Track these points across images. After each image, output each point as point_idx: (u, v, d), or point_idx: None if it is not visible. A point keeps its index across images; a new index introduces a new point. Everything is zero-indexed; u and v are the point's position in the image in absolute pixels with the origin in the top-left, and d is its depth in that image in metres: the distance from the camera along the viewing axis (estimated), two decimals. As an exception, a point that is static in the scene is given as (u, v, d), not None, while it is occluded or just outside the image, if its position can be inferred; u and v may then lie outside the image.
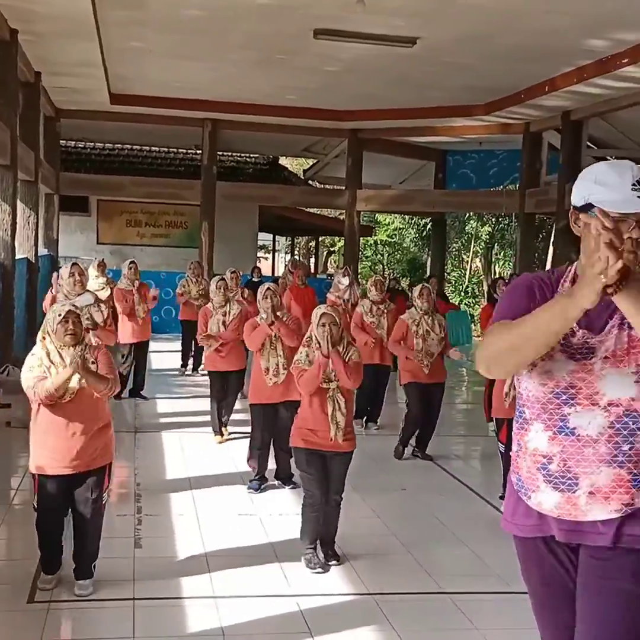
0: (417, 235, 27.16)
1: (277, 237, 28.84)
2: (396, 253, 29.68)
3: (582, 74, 10.32)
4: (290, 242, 30.82)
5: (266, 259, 31.80)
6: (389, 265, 29.97)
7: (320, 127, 14.87)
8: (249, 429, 7.03)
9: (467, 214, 23.57)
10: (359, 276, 16.63)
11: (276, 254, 30.38)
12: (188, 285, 11.19)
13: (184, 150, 18.79)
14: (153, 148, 18.98)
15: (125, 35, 9.72)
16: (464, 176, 17.13)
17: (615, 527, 2.17)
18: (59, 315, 4.03)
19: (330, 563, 4.67)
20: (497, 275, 22.12)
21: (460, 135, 14.75)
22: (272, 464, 6.26)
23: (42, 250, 13.63)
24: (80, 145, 18.40)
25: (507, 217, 21.48)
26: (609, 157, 15.24)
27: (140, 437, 7.66)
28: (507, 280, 10.27)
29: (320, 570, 4.60)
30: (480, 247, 26.11)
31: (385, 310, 8.29)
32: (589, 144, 13.36)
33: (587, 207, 2.18)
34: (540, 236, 20.83)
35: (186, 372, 11.36)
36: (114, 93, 12.99)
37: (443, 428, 7.86)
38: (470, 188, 16.67)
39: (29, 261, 11.62)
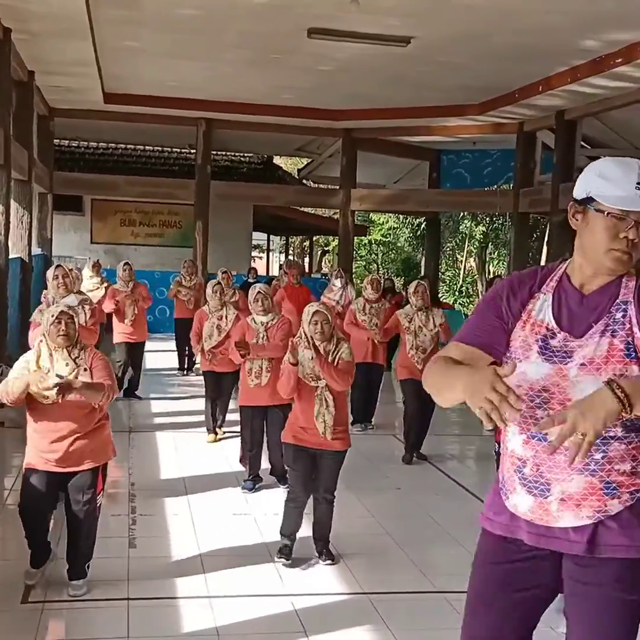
0: (411, 234, 27.20)
1: (271, 236, 28.85)
2: (390, 252, 29.71)
3: (576, 74, 10.33)
4: (284, 242, 30.82)
5: (260, 258, 31.79)
6: (383, 264, 30.00)
7: (315, 126, 14.86)
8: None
9: (461, 214, 23.59)
10: (353, 276, 16.61)
11: (270, 253, 30.37)
12: (180, 283, 11.20)
13: (178, 150, 18.77)
14: (147, 147, 18.95)
15: (119, 34, 9.70)
16: (458, 176, 17.14)
17: (589, 535, 2.13)
18: (52, 316, 4.02)
19: (325, 563, 4.68)
20: (491, 275, 22.16)
21: (454, 134, 14.75)
22: (266, 463, 6.26)
23: (36, 250, 13.58)
24: (74, 145, 18.36)
25: (501, 217, 21.51)
26: (603, 157, 15.27)
27: (135, 437, 7.64)
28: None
29: (284, 560, 4.63)
30: (475, 246, 26.14)
31: (380, 309, 8.30)
32: (583, 143, 13.38)
33: (588, 201, 2.14)
34: (534, 236, 20.86)
35: (185, 374, 11.35)
36: (108, 92, 12.96)
37: (438, 427, 7.86)
38: (465, 187, 16.69)
39: (23, 261, 11.59)
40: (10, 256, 10.36)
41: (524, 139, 13.85)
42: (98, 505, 4.24)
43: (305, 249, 32.68)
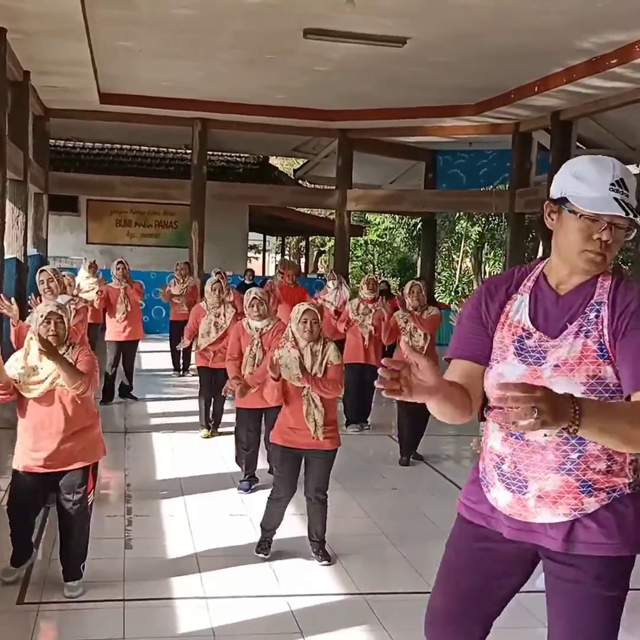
0: (407, 235, 27.22)
1: (267, 237, 28.84)
2: (386, 253, 29.73)
3: (572, 74, 10.34)
4: (280, 242, 30.81)
5: (257, 258, 31.78)
6: (379, 265, 30.02)
7: (310, 126, 14.86)
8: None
9: (457, 214, 23.62)
10: (349, 276, 16.62)
11: (266, 253, 30.36)
12: (173, 285, 11.17)
13: (174, 150, 18.75)
14: (143, 147, 18.92)
15: (114, 34, 9.69)
16: (454, 176, 17.15)
17: (566, 533, 2.16)
18: (41, 316, 4.04)
19: (321, 564, 4.68)
20: (488, 276, 22.19)
21: (450, 135, 14.76)
22: (263, 464, 6.25)
23: (31, 250, 13.56)
24: (69, 145, 18.33)
25: (497, 217, 21.54)
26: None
27: (131, 438, 7.63)
28: None
29: (262, 555, 4.66)
30: (470, 246, 26.19)
31: (374, 310, 8.29)
32: (578, 144, 13.40)
33: (562, 201, 2.14)
34: (530, 236, 20.88)
35: (181, 374, 11.34)
36: (104, 92, 12.94)
37: (434, 428, 7.86)
38: (460, 188, 16.70)
39: (18, 261, 11.57)
40: (6, 256, 10.35)
41: (519, 140, 13.87)
42: (89, 503, 4.25)
43: (302, 249, 32.68)
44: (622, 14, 8.03)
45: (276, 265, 14.05)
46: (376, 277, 9.19)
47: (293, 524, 5.15)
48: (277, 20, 8.84)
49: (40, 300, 6.08)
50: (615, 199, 2.06)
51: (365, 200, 16.34)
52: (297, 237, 31.12)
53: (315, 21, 8.82)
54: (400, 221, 27.24)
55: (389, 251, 29.57)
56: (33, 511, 4.28)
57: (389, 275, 28.45)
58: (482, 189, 16.27)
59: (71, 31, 8.95)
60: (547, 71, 10.67)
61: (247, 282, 13.01)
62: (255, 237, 27.12)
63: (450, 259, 28.36)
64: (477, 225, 24.67)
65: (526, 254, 19.36)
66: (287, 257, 23.50)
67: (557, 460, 2.13)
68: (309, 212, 23.83)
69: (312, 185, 21.16)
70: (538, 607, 2.71)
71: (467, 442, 8.56)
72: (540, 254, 17.99)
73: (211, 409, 7.94)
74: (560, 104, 11.92)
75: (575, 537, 2.15)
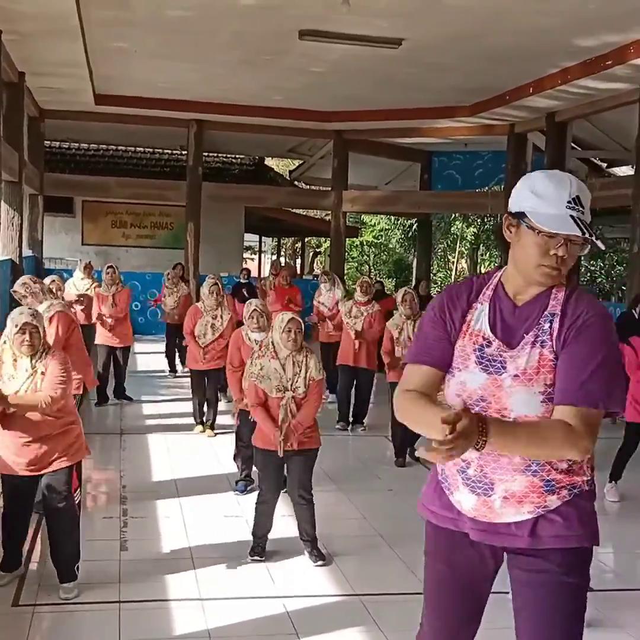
0: (403, 236, 27.21)
1: (263, 238, 28.82)
2: (382, 254, 29.72)
3: (567, 75, 10.36)
4: (276, 243, 30.80)
5: (252, 260, 31.75)
6: (375, 266, 30.01)
7: (306, 128, 14.86)
8: (233, 428, 7.01)
9: (453, 215, 23.63)
10: (345, 277, 16.62)
11: (262, 255, 30.34)
12: (165, 297, 11.08)
13: (170, 151, 18.74)
14: (138, 149, 18.90)
15: (110, 36, 9.68)
16: (450, 177, 17.17)
17: (530, 529, 2.23)
18: (16, 326, 4.04)
19: (316, 564, 4.68)
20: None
21: (445, 136, 14.78)
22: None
23: (27, 252, 13.54)
24: (64, 146, 18.30)
25: (492, 218, 21.55)
26: (593, 159, 15.34)
27: (126, 439, 7.62)
28: None
29: (257, 557, 4.67)
30: (466, 247, 26.21)
31: (365, 314, 8.27)
32: (573, 145, 13.42)
33: (521, 215, 2.20)
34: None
35: (177, 375, 11.32)
36: (99, 93, 12.93)
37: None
38: (456, 189, 16.72)
39: (13, 262, 11.55)
40: (1, 258, 10.33)
41: (514, 141, 13.89)
42: (76, 502, 4.27)
43: (297, 250, 32.67)
44: (616, 15, 8.05)
45: (270, 268, 13.93)
46: (370, 280, 9.12)
47: (288, 525, 5.15)
48: (273, 21, 8.84)
49: None
50: (572, 216, 2.13)
51: (360, 202, 16.35)
52: (292, 238, 31.11)
53: (311, 22, 8.83)
54: (395, 222, 27.25)
55: (385, 252, 29.57)
56: (24, 514, 4.29)
57: (384, 277, 28.44)
58: (477, 190, 16.29)
59: (66, 32, 8.94)
60: (543, 72, 10.68)
61: (242, 281, 12.99)
62: (250, 238, 27.11)
63: (446, 260, 28.38)
64: (472, 226, 24.69)
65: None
66: (282, 259, 23.43)
67: (524, 463, 2.21)
68: (304, 213, 23.82)
69: (308, 187, 21.16)
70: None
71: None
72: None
73: (204, 408, 7.98)
74: (555, 105, 11.94)
75: (540, 532, 2.22)
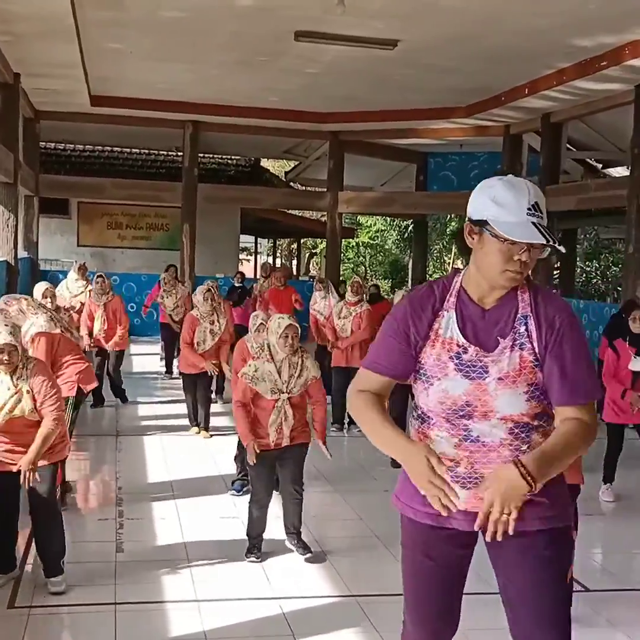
0: (398, 236, 27.25)
1: (259, 239, 28.82)
2: (378, 255, 29.75)
3: (562, 76, 10.38)
4: (272, 244, 30.79)
5: (248, 261, 31.74)
6: (371, 267, 30.04)
7: (302, 129, 14.87)
8: (229, 430, 7.01)
9: (449, 216, 23.66)
10: (340, 278, 16.61)
11: (258, 256, 30.33)
12: (165, 298, 11.03)
13: (165, 152, 18.73)
14: (134, 150, 18.89)
15: (105, 37, 9.67)
16: (445, 178, 17.19)
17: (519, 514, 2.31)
18: None
19: (305, 556, 4.71)
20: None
21: (441, 137, 14.80)
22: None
23: (22, 253, 13.53)
24: (60, 147, 18.28)
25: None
26: (588, 160, 15.36)
27: (122, 441, 7.61)
28: None
29: (253, 558, 4.69)
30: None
31: (354, 314, 8.27)
32: (568, 146, 13.45)
33: (483, 223, 2.27)
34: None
35: (173, 376, 11.30)
36: (94, 94, 12.92)
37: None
38: (452, 190, 16.72)
39: (9, 264, 11.54)
40: (-4, 259, 10.32)
41: (510, 142, 13.91)
42: (58, 495, 4.37)
43: (293, 251, 32.67)
44: (611, 16, 8.07)
45: (264, 266, 13.73)
46: (361, 280, 9.09)
47: (283, 526, 5.15)
48: (268, 22, 8.84)
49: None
50: (533, 223, 2.21)
51: (356, 203, 16.36)
52: (288, 239, 31.11)
53: (307, 24, 8.83)
54: (391, 223, 27.28)
55: (381, 253, 29.60)
56: (8, 514, 4.32)
57: (380, 278, 28.48)
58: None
59: (61, 33, 8.93)
60: (538, 73, 10.71)
61: (237, 284, 12.97)
62: (246, 240, 27.09)
63: (442, 260, 28.41)
64: (468, 227, 24.72)
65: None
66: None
67: (512, 454, 2.29)
68: (300, 214, 23.83)
69: (304, 188, 21.17)
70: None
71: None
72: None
73: (197, 406, 8.00)
74: (550, 106, 11.96)
75: (526, 515, 2.28)
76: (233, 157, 19.66)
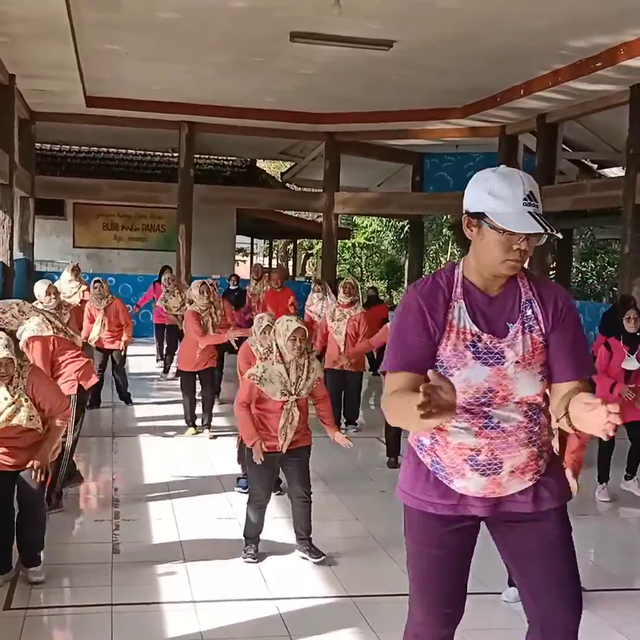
0: (395, 237, 27.26)
1: (255, 240, 28.81)
2: (374, 256, 29.76)
3: (557, 77, 10.40)
4: (268, 245, 30.79)
5: (244, 262, 31.73)
6: (367, 267, 30.05)
7: (297, 130, 14.88)
8: (226, 430, 6.99)
9: (445, 217, 23.67)
10: (336, 278, 16.60)
11: (254, 257, 30.32)
12: (168, 300, 10.99)
13: (161, 153, 18.72)
14: (129, 151, 18.88)
15: (100, 38, 9.67)
16: (441, 179, 17.21)
17: (533, 495, 2.43)
18: None
19: (316, 560, 4.68)
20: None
21: (437, 138, 14.82)
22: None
23: (18, 254, 13.51)
24: (55, 148, 18.26)
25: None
26: (584, 160, 15.39)
27: (118, 442, 7.60)
28: None
29: (250, 559, 4.69)
30: (457, 249, 26.24)
31: (348, 316, 8.21)
32: (564, 146, 13.47)
33: (480, 215, 2.31)
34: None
35: (168, 377, 11.28)
36: (90, 96, 12.92)
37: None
38: (448, 191, 16.72)
39: (4, 265, 11.53)
40: (-8, 260, 10.31)
41: (505, 143, 13.93)
42: (45, 492, 4.46)
43: (289, 252, 32.67)
44: (606, 17, 8.09)
45: (255, 268, 13.50)
46: (353, 281, 8.92)
47: (280, 527, 5.15)
48: (264, 23, 8.85)
49: None
50: (529, 212, 2.27)
51: (352, 203, 16.37)
52: (284, 240, 31.11)
53: (302, 24, 8.84)
54: (387, 224, 27.28)
55: (377, 254, 29.60)
56: (8, 514, 4.34)
57: (376, 278, 28.48)
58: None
59: (57, 34, 8.93)
60: (533, 74, 10.73)
61: (232, 287, 12.94)
62: (242, 240, 27.09)
63: (438, 261, 28.42)
64: (464, 227, 24.73)
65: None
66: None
67: (527, 437, 2.39)
68: (296, 215, 23.83)
69: (300, 188, 21.18)
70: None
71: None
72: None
73: (195, 407, 8.01)
74: (546, 107, 11.99)
75: (540, 496, 2.42)
76: (229, 158, 19.66)
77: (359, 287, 11.94)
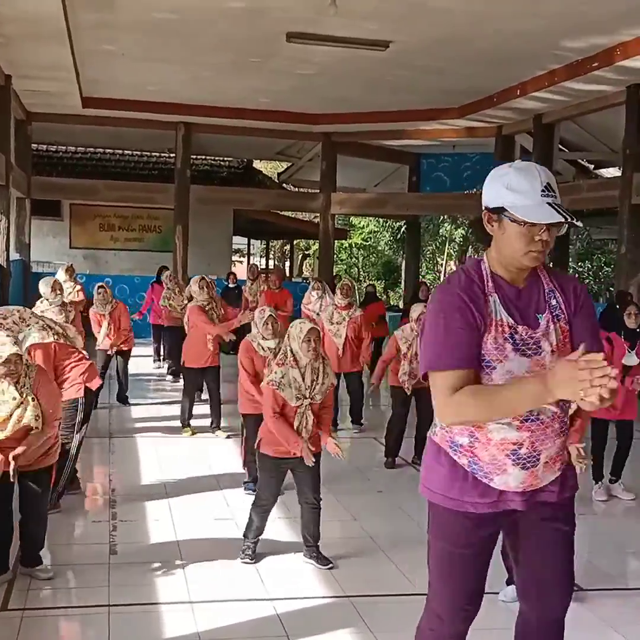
0: (391, 238, 27.26)
1: (251, 240, 28.81)
2: (371, 256, 29.77)
3: (554, 78, 10.42)
4: (265, 246, 30.79)
5: (241, 262, 31.73)
6: (363, 268, 30.06)
7: (294, 130, 14.88)
8: (226, 430, 6.95)
9: (441, 217, 23.70)
10: (334, 278, 16.60)
11: (251, 257, 30.32)
12: (171, 298, 10.97)
13: (157, 154, 18.71)
14: (126, 151, 18.88)
15: (96, 38, 9.66)
16: (438, 179, 17.22)
17: (561, 483, 2.52)
18: (1, 357, 4.17)
19: (327, 567, 4.66)
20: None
21: (433, 138, 14.83)
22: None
23: (14, 255, 13.50)
24: (52, 149, 18.25)
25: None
26: (580, 160, 15.41)
27: (115, 443, 7.60)
28: None
29: (248, 560, 4.68)
30: (454, 249, 26.29)
31: (347, 319, 8.17)
32: (560, 146, 13.49)
33: (500, 210, 2.35)
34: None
35: (167, 377, 11.27)
36: (86, 96, 12.91)
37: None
38: (444, 191, 16.77)
39: (1, 266, 11.51)
40: (-12, 261, 10.30)
41: (502, 143, 13.95)
42: (50, 490, 4.51)
43: (286, 253, 32.67)
44: (603, 18, 8.10)
45: (251, 268, 13.47)
46: (351, 282, 8.80)
47: (278, 528, 5.15)
48: (260, 24, 8.85)
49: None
50: (548, 203, 2.31)
51: (349, 204, 16.38)
52: (281, 240, 31.10)
53: (298, 25, 8.84)
54: (384, 224, 27.29)
55: (374, 254, 29.61)
56: (7, 516, 4.35)
57: (373, 279, 28.47)
58: (465, 192, 16.34)
59: (53, 35, 8.92)
60: (530, 74, 10.74)
61: (230, 285, 12.95)
62: (239, 241, 27.08)
63: (435, 261, 28.45)
64: (461, 228, 24.77)
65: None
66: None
67: (560, 427, 2.47)
68: (293, 215, 23.82)
69: (296, 189, 21.18)
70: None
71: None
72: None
73: (193, 408, 8.01)
74: (542, 107, 12.00)
75: (566, 483, 2.53)
76: (225, 158, 19.66)
77: (356, 288, 11.94)
